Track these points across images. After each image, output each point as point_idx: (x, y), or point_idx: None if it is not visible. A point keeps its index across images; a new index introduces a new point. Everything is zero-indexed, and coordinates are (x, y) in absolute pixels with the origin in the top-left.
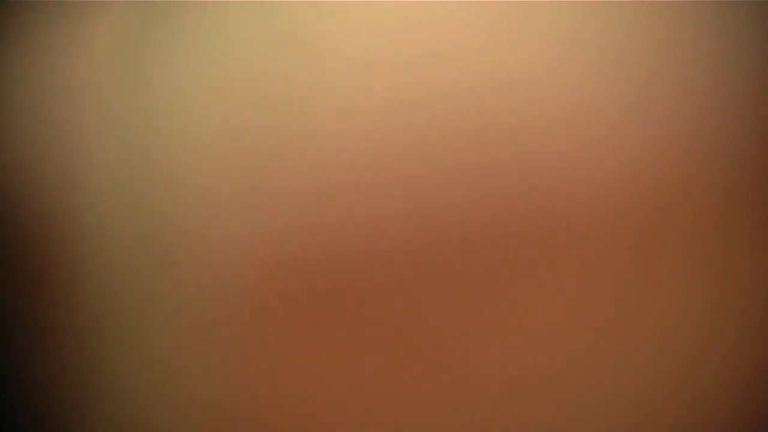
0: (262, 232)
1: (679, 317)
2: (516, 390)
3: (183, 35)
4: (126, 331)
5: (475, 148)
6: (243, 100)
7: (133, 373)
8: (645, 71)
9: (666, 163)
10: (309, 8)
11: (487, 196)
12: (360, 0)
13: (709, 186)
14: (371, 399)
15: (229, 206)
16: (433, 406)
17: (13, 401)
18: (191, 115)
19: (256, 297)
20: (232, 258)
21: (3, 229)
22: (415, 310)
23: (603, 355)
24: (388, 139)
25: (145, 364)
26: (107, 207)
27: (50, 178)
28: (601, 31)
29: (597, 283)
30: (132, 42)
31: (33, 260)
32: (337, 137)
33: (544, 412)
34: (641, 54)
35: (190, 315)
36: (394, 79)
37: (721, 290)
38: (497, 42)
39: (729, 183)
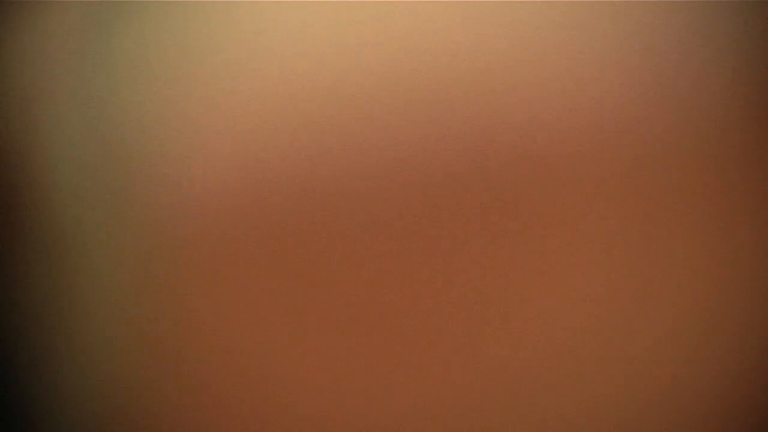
0: (247, 221)
1: (683, 310)
2: (515, 383)
3: (152, 30)
4: (97, 291)
5: (466, 95)
6: (217, 89)
7: (102, 335)
8: (647, 71)
9: (667, 162)
10: (294, 5)
11: (486, 184)
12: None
13: (710, 185)
14: (368, 396)
15: (205, 151)
16: (434, 404)
17: None
18: (167, 106)
19: (244, 288)
20: (210, 206)
21: None
22: (415, 300)
23: (602, 348)
24: (385, 133)
25: (115, 326)
26: (75, 188)
27: (17, 169)
28: (599, 26)
29: (597, 279)
30: (98, 35)
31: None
32: (328, 126)
33: (545, 410)
34: (642, 53)
35: (164, 270)
36: (396, 76)
37: (726, 290)
38: (495, 34)
39: (731, 183)
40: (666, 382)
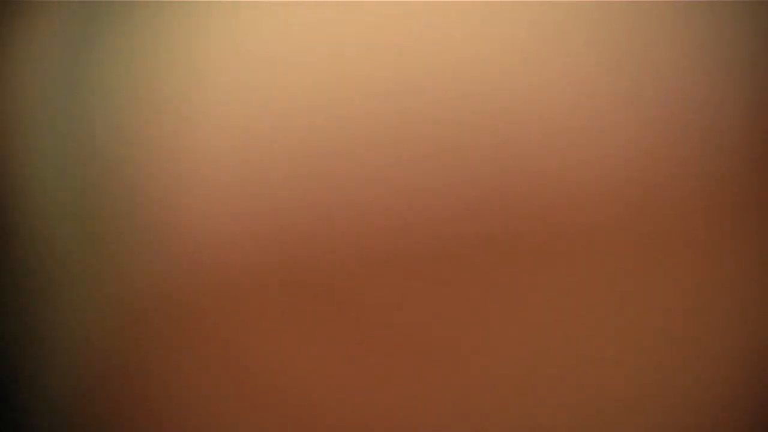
0: (248, 227)
1: (683, 317)
2: (516, 389)
3: (139, 32)
4: (99, 333)
5: (473, 144)
6: (211, 91)
7: (126, 381)
8: (646, 69)
9: (666, 161)
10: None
11: (486, 193)
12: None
13: (710, 184)
14: (369, 399)
15: (212, 200)
16: (432, 406)
17: None
18: (158, 111)
19: (245, 294)
20: (216, 254)
21: None
22: (414, 307)
23: (604, 355)
24: (388, 138)
25: (135, 370)
26: (58, 208)
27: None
28: (599, 29)
29: (598, 282)
30: (74, 40)
31: None
32: (329, 132)
33: (544, 413)
34: (642, 53)
35: (172, 313)
36: (395, 77)
37: (724, 289)
38: (495, 39)
39: (730, 182)
40: None
